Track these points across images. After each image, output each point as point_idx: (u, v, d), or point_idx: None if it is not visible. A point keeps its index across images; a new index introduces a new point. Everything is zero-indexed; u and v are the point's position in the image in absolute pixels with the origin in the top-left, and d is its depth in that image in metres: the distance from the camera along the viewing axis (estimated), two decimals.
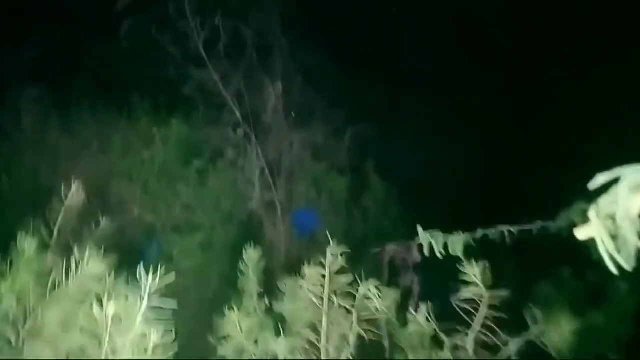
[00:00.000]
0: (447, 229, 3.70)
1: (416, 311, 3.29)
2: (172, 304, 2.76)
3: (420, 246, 3.69)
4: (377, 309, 3.19)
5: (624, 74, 5.14)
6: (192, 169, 5.88)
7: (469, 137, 5.96)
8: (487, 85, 6.09)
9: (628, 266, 1.59)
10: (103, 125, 6.13)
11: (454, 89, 6.17)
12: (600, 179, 1.66)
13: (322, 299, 3.27)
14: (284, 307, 3.34)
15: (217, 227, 5.55)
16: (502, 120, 6.03)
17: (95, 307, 2.68)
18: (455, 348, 3.22)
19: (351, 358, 3.24)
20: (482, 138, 5.93)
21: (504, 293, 3.12)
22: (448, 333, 3.22)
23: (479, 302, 3.14)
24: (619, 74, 5.22)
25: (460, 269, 3.18)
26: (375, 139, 6.14)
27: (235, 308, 3.29)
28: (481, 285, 3.11)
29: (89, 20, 6.15)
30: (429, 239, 3.65)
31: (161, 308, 2.74)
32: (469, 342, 3.17)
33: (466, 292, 3.13)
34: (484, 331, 3.15)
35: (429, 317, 3.21)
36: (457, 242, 3.65)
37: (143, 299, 2.67)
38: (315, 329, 3.29)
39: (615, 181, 1.62)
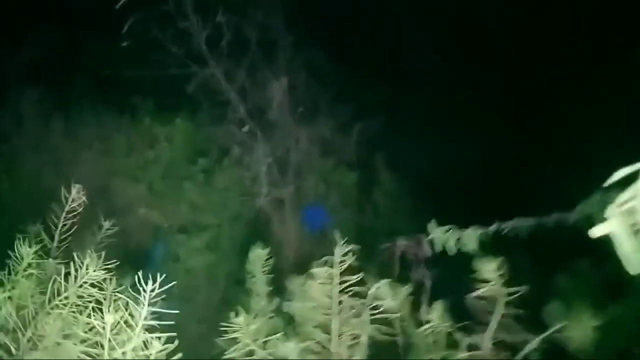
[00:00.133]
0: (460, 224, 3.61)
1: (428, 308, 3.19)
2: (174, 311, 2.66)
3: (431, 241, 3.59)
4: (389, 308, 3.09)
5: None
6: (197, 168, 5.83)
7: (481, 129, 5.89)
8: (497, 79, 6.02)
9: None
10: (105, 125, 6.07)
11: (464, 81, 6.10)
12: (617, 175, 1.58)
13: (332, 298, 3.17)
14: (294, 307, 3.26)
15: (225, 226, 5.48)
16: (517, 112, 5.98)
17: (95, 315, 2.59)
18: (471, 347, 3.11)
19: (364, 359, 3.13)
20: (494, 130, 5.85)
21: (521, 289, 3.00)
22: (464, 332, 3.11)
23: (495, 299, 3.03)
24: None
25: (474, 265, 3.08)
26: (384, 133, 6.07)
27: (243, 309, 3.19)
28: (497, 281, 3.00)
29: (89, 20, 6.11)
30: (441, 235, 3.56)
31: (164, 315, 2.65)
32: (485, 341, 3.05)
33: (482, 289, 3.02)
34: (501, 329, 3.04)
35: (443, 316, 3.11)
36: (471, 237, 3.56)
37: (144, 306, 2.57)
38: (326, 330, 3.18)
39: (634, 176, 1.55)
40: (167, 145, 5.92)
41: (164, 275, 2.62)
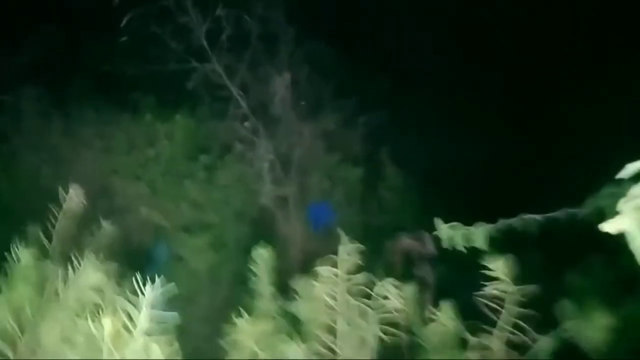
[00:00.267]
0: (468, 219, 3.54)
1: (434, 307, 3.12)
2: (173, 314, 2.59)
3: (436, 238, 3.52)
4: (396, 309, 3.01)
5: None
6: (199, 165, 5.77)
7: (487, 125, 5.85)
8: (498, 77, 5.96)
9: None
10: (105, 123, 6.01)
11: (467, 76, 6.07)
12: (630, 168, 1.53)
13: (337, 298, 3.09)
14: (298, 308, 3.19)
15: (228, 224, 5.42)
16: (522, 109, 5.96)
17: (93, 320, 2.53)
18: (481, 347, 3.03)
19: None
20: (500, 126, 5.85)
21: (531, 288, 2.91)
22: (473, 332, 3.02)
23: (505, 298, 2.94)
24: None
25: (483, 262, 2.99)
26: (389, 127, 6.01)
27: (246, 311, 3.13)
28: (507, 280, 2.91)
29: (88, 17, 6.07)
30: (448, 232, 3.48)
31: (164, 318, 2.58)
32: (495, 341, 2.97)
33: (491, 288, 2.93)
34: (511, 329, 2.95)
35: (451, 315, 3.03)
36: (479, 234, 3.48)
37: (142, 310, 2.50)
38: (331, 331, 3.11)
39: None
40: (168, 143, 5.85)
41: (167, 276, 2.57)
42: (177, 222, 5.51)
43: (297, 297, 3.19)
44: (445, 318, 3.04)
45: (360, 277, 3.05)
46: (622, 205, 1.58)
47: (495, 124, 5.80)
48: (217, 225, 5.42)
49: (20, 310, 2.85)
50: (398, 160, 6.02)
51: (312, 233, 5.74)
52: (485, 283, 2.95)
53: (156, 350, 2.48)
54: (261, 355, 3.03)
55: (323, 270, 3.08)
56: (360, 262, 3.06)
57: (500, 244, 3.38)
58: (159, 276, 2.64)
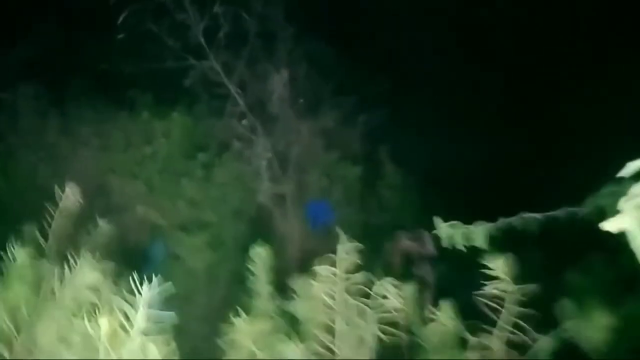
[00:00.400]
0: (467, 218, 3.52)
1: (434, 306, 3.09)
2: (170, 314, 2.56)
3: (435, 237, 3.50)
4: (395, 309, 2.99)
5: None
6: (196, 164, 5.73)
7: (487, 124, 5.84)
8: (505, 71, 5.98)
9: None
10: (102, 121, 5.97)
11: (467, 74, 6.05)
12: (631, 167, 1.52)
13: (335, 298, 3.07)
14: (297, 307, 3.17)
15: (226, 223, 5.39)
16: (521, 108, 5.98)
17: (89, 319, 2.50)
18: (481, 347, 3.00)
19: None
20: (500, 125, 5.85)
21: (531, 287, 2.89)
22: (473, 331, 3.00)
23: (505, 297, 2.92)
24: None
25: (482, 262, 2.97)
26: (388, 125, 6.00)
27: (244, 310, 3.10)
28: (507, 279, 2.89)
29: (84, 15, 6.04)
30: (448, 231, 3.46)
31: (161, 318, 2.55)
32: (495, 340, 2.95)
33: (490, 287, 2.91)
34: (511, 329, 2.93)
35: (452, 316, 3.01)
36: (478, 233, 3.45)
37: (139, 310, 2.47)
38: (330, 331, 3.08)
39: None
40: (165, 141, 5.81)
41: (164, 275, 2.54)
42: (174, 221, 5.47)
43: (295, 296, 3.16)
44: (444, 317, 3.02)
45: (359, 277, 3.02)
46: (623, 204, 1.56)
47: (495, 124, 5.80)
48: (215, 223, 5.38)
49: (16, 310, 2.83)
50: (397, 159, 6.00)
51: (310, 232, 5.71)
52: (485, 282, 2.93)
53: (153, 350, 2.45)
54: (259, 355, 3.00)
55: (321, 269, 3.05)
56: (359, 261, 3.04)
57: (500, 243, 3.36)
58: (156, 275, 2.61)
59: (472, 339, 2.97)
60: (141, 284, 2.55)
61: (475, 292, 2.97)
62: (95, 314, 2.56)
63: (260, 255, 3.35)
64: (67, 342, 2.65)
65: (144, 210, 5.52)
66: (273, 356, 3.01)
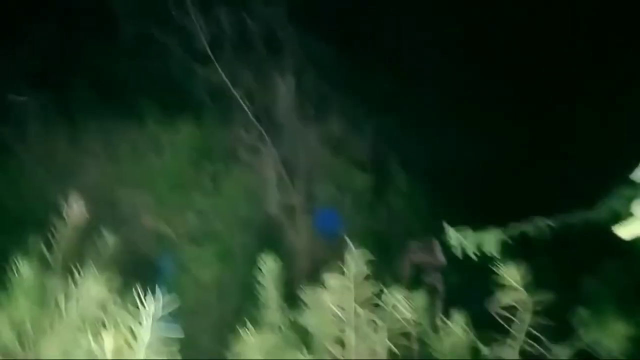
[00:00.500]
0: (479, 225, 3.46)
1: (446, 316, 3.03)
2: (177, 328, 2.52)
3: (446, 246, 3.44)
4: (406, 319, 2.93)
5: None
6: (204, 174, 5.69)
7: (498, 125, 5.81)
8: (513, 72, 5.94)
9: None
10: (109, 132, 5.94)
11: (478, 78, 6.01)
12: None
13: (346, 309, 3.01)
14: (306, 319, 3.11)
15: (235, 234, 5.34)
16: (532, 108, 5.95)
17: (94, 334, 2.45)
18: (494, 358, 2.93)
19: None
20: (511, 127, 5.78)
21: (547, 296, 2.82)
22: (486, 342, 2.93)
23: (519, 307, 2.85)
24: None
25: (495, 270, 2.91)
26: (397, 132, 5.94)
27: (253, 322, 3.05)
28: (521, 288, 2.82)
29: (89, 24, 6.00)
30: (459, 238, 3.40)
31: (167, 332, 2.51)
32: (511, 352, 2.88)
33: (504, 297, 2.84)
34: (526, 338, 2.86)
35: (464, 326, 2.94)
36: (490, 240, 3.40)
37: (145, 324, 2.43)
38: (340, 342, 3.03)
39: None
40: (172, 151, 5.78)
41: (172, 287, 2.51)
42: (182, 232, 5.44)
43: (304, 307, 3.12)
44: (457, 328, 2.96)
45: (369, 286, 2.97)
46: (636, 208, 1.52)
47: (505, 128, 5.74)
48: (223, 234, 5.34)
49: (20, 325, 2.79)
50: (406, 166, 5.95)
51: (319, 241, 5.66)
52: (498, 291, 2.87)
53: None
54: None
55: (331, 279, 3.00)
56: (368, 270, 2.97)
57: (511, 249, 3.31)
58: (164, 288, 2.57)
59: (485, 350, 2.91)
60: (148, 298, 2.51)
61: (488, 301, 2.92)
62: (101, 328, 2.52)
63: (268, 266, 3.30)
64: (72, 357, 2.61)
65: (152, 221, 5.49)
66: None
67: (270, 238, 5.44)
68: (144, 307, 2.49)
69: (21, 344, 2.74)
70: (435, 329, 3.03)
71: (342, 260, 2.97)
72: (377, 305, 2.96)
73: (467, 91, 5.97)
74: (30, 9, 6.08)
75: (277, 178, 5.82)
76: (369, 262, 2.95)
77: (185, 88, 5.73)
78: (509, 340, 2.87)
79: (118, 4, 5.64)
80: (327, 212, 5.84)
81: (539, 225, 3.48)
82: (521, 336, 2.84)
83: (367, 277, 2.96)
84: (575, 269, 3.76)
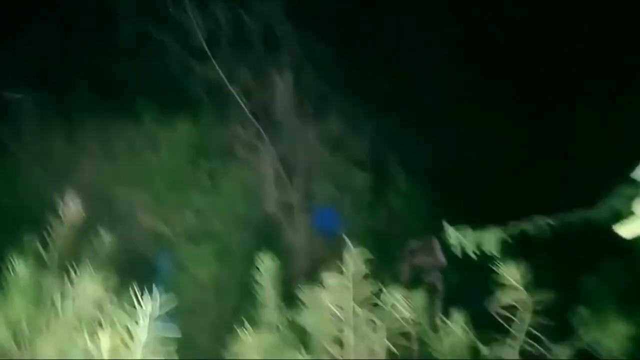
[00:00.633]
0: (479, 224, 3.45)
1: (445, 315, 3.01)
2: (174, 328, 2.50)
3: (444, 243, 3.43)
4: (405, 319, 2.91)
5: None
6: (202, 172, 5.65)
7: (500, 125, 5.81)
8: (513, 72, 5.94)
9: None
10: (106, 129, 5.90)
11: (478, 78, 6.01)
12: None
13: (345, 308, 2.99)
14: (304, 318, 3.09)
15: (233, 233, 5.31)
16: (532, 106, 5.94)
17: (90, 334, 2.43)
18: (494, 358, 2.91)
19: None
20: (510, 126, 5.78)
21: (547, 295, 2.80)
22: (485, 342, 2.91)
23: (519, 306, 2.83)
24: None
25: (495, 269, 2.89)
26: (396, 131, 5.92)
27: (250, 322, 3.03)
28: (521, 287, 2.80)
29: (86, 22, 5.98)
30: (458, 237, 3.38)
31: (164, 332, 2.49)
32: (511, 352, 2.86)
33: (504, 296, 2.82)
34: (526, 338, 2.84)
35: (464, 326, 2.92)
36: (490, 239, 3.38)
37: (142, 324, 2.40)
38: (339, 342, 3.00)
39: None
40: (170, 149, 5.74)
41: (169, 286, 2.49)
42: (180, 231, 5.41)
43: (303, 307, 3.10)
44: (456, 327, 2.94)
45: (368, 286, 2.95)
46: (637, 206, 1.50)
47: (504, 127, 5.73)
48: (221, 233, 5.31)
49: (16, 324, 2.77)
50: (405, 164, 5.93)
51: (318, 240, 5.64)
52: (499, 291, 2.85)
53: None
54: None
55: (329, 278, 2.98)
56: (367, 269, 2.95)
57: (511, 248, 3.30)
58: (161, 287, 2.55)
59: (484, 349, 2.89)
60: (145, 297, 2.49)
61: (488, 301, 2.90)
62: (97, 328, 2.50)
63: (266, 265, 3.29)
64: (68, 357, 2.59)
65: (149, 220, 5.46)
66: None
67: (268, 237, 5.42)
68: (141, 306, 2.48)
69: (17, 343, 2.72)
70: (434, 328, 3.01)
71: (341, 259, 2.95)
72: (376, 304, 2.95)
73: (467, 91, 5.96)
74: (28, 8, 6.06)
75: (275, 176, 5.79)
76: (368, 261, 2.93)
77: (182, 85, 5.71)
78: (508, 340, 2.85)
79: (116, 2, 5.61)
80: (325, 211, 5.82)
81: (539, 224, 3.46)
82: (521, 336, 2.82)
83: (365, 277, 2.94)
84: (576, 268, 3.74)
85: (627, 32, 5.41)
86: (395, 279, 3.05)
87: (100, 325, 2.49)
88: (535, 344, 2.82)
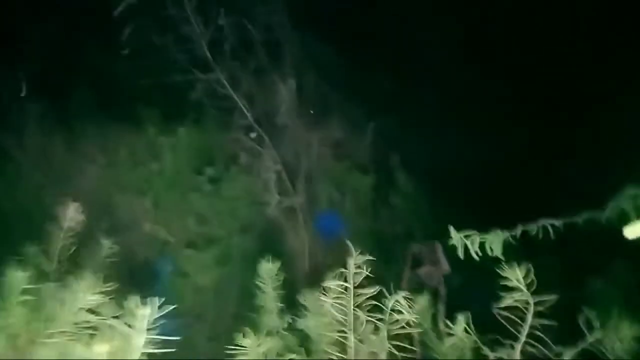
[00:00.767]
0: (484, 226, 3.41)
1: (450, 319, 2.98)
2: (174, 336, 2.47)
3: (449, 247, 3.39)
4: (408, 322, 2.87)
5: None
6: (204, 178, 5.61)
7: (502, 125, 5.76)
8: (518, 71, 5.88)
9: None
10: (108, 137, 5.87)
11: (478, 78, 5.97)
12: None
13: (347, 314, 2.96)
14: (307, 324, 3.07)
15: (235, 238, 5.28)
16: (532, 106, 5.87)
17: (89, 344, 2.41)
18: None
19: None
20: (515, 127, 5.71)
21: (552, 297, 2.75)
22: (491, 346, 2.87)
23: (524, 309, 2.79)
24: None
25: (500, 271, 2.85)
26: (398, 133, 5.89)
27: (253, 327, 3.00)
28: (525, 289, 2.76)
29: (88, 29, 5.96)
30: (463, 240, 3.35)
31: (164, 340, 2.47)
32: (515, 355, 2.82)
33: (508, 299, 2.78)
34: (532, 342, 2.79)
35: (467, 328, 2.88)
36: (495, 241, 3.34)
37: (141, 332, 2.38)
38: (342, 348, 2.97)
39: None
40: (172, 155, 5.72)
41: (171, 292, 2.48)
42: (182, 237, 5.38)
43: (305, 312, 3.07)
44: (461, 331, 2.91)
45: (371, 290, 2.92)
46: None
47: (508, 128, 5.69)
48: (223, 239, 5.27)
49: (15, 335, 2.75)
50: (409, 167, 5.88)
51: (321, 245, 5.60)
52: (503, 293, 2.81)
53: None
54: None
55: (332, 283, 2.95)
56: (370, 274, 2.93)
57: (517, 251, 3.26)
58: (163, 293, 2.54)
59: (490, 354, 2.85)
60: (146, 305, 2.47)
61: (493, 304, 2.86)
62: (96, 337, 2.48)
63: (269, 271, 3.27)
64: None
65: (151, 227, 5.43)
66: None
67: (271, 242, 5.38)
68: (140, 313, 2.46)
69: (15, 350, 2.70)
70: (437, 331, 2.98)
71: (343, 263, 2.93)
72: (378, 308, 2.92)
73: (467, 91, 5.93)
74: (28, 12, 6.05)
75: (278, 181, 5.75)
76: (370, 265, 2.91)
77: (184, 91, 5.68)
78: (515, 344, 2.81)
79: (118, 9, 5.60)
80: (328, 214, 5.78)
81: (543, 225, 3.42)
82: (527, 339, 2.79)
83: (368, 280, 2.91)
84: (581, 270, 3.70)
85: (627, 32, 5.37)
86: (398, 282, 3.02)
87: (99, 332, 2.48)
88: (540, 346, 2.78)
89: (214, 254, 5.13)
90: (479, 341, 2.88)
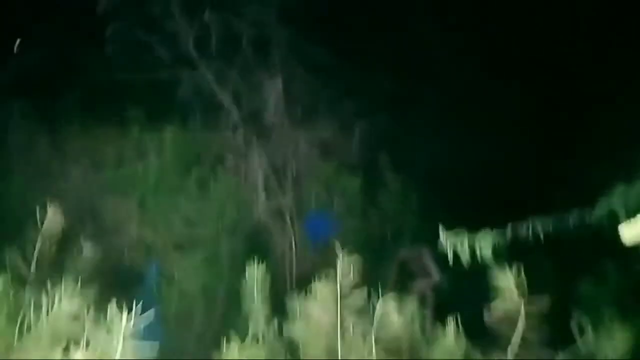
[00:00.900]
0: (473, 226, 3.37)
1: (439, 323, 2.93)
2: (155, 343, 2.41)
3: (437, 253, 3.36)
4: (396, 327, 2.82)
5: None
6: (191, 179, 5.54)
7: (492, 125, 5.77)
8: (510, 72, 5.91)
9: None
10: (93, 137, 5.78)
11: (478, 78, 5.95)
12: None
13: (335, 319, 2.90)
14: (295, 330, 3.00)
15: (222, 240, 5.20)
16: (527, 108, 5.84)
17: (68, 352, 2.34)
18: None
19: None
20: (505, 126, 5.70)
21: (543, 301, 2.71)
22: (482, 350, 2.82)
23: (515, 311, 2.74)
24: None
25: (490, 273, 2.81)
26: (387, 132, 5.84)
27: (240, 333, 2.94)
28: (516, 293, 2.71)
29: (73, 29, 5.88)
30: (452, 241, 3.30)
31: (146, 347, 2.40)
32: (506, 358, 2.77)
33: (500, 303, 2.73)
34: (523, 345, 2.75)
35: (457, 333, 2.83)
36: (485, 242, 3.30)
37: (121, 340, 2.31)
38: (330, 352, 2.92)
39: None
40: (158, 156, 5.64)
41: (157, 296, 2.42)
42: (168, 239, 5.30)
43: (293, 317, 3.01)
44: (450, 335, 2.86)
45: (360, 294, 2.88)
46: None
47: (497, 128, 5.69)
48: (210, 241, 5.20)
49: None
50: (398, 166, 5.84)
51: (310, 247, 5.54)
52: (492, 296, 2.77)
53: None
54: None
55: (321, 287, 2.90)
56: (359, 276, 2.88)
57: (507, 251, 3.23)
58: (149, 297, 2.49)
59: (480, 358, 2.80)
60: (129, 310, 2.41)
61: (482, 307, 2.81)
62: (75, 345, 2.41)
63: (256, 275, 3.21)
64: None
65: (137, 229, 5.36)
66: None
67: (258, 244, 5.32)
68: (121, 320, 2.40)
69: None
70: (428, 336, 2.93)
71: (332, 267, 2.88)
72: (367, 312, 2.87)
73: (467, 91, 5.92)
74: (15, 14, 5.99)
75: (265, 182, 5.69)
76: (360, 268, 2.86)
77: (171, 92, 5.61)
78: (503, 346, 2.77)
79: (104, 10, 5.52)
80: (318, 216, 5.72)
81: (535, 225, 3.38)
82: (518, 342, 2.74)
83: (357, 285, 2.87)
84: (573, 271, 3.67)
85: (627, 32, 5.39)
86: (387, 287, 2.97)
87: (77, 340, 2.41)
88: (532, 351, 2.74)
89: (200, 256, 5.06)
90: (468, 345, 2.83)
